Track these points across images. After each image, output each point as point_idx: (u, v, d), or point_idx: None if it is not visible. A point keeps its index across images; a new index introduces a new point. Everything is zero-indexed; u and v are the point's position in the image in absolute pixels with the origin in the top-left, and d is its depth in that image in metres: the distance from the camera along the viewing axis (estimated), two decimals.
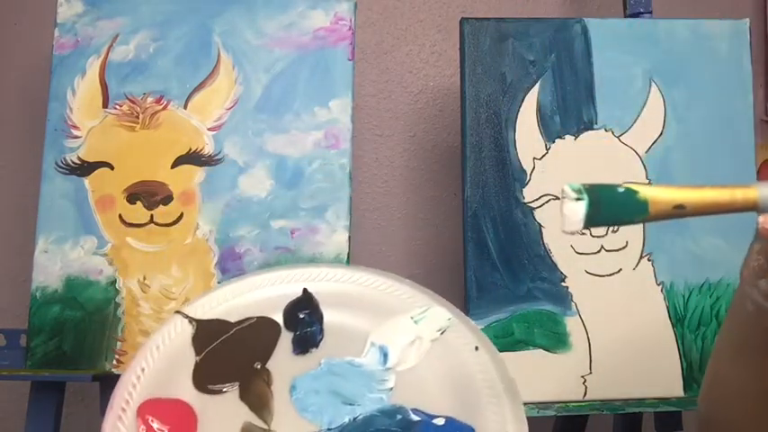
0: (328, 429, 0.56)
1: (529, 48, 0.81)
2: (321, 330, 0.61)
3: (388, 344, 0.60)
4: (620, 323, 0.78)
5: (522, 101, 0.80)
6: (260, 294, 0.62)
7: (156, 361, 0.56)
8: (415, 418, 0.56)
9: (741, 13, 0.87)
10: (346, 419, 0.56)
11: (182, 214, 0.79)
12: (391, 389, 0.58)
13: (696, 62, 0.82)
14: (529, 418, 0.77)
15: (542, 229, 0.79)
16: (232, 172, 0.79)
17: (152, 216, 0.78)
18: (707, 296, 0.79)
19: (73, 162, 0.79)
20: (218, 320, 0.60)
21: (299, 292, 0.62)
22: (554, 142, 0.80)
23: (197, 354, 0.58)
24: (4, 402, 1.04)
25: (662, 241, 0.79)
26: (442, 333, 0.61)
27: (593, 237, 0.79)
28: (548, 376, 0.76)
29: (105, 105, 0.81)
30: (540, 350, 0.77)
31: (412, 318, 0.61)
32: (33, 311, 0.76)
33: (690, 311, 0.78)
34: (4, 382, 0.85)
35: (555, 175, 0.80)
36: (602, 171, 0.80)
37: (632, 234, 0.79)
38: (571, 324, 0.77)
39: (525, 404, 0.75)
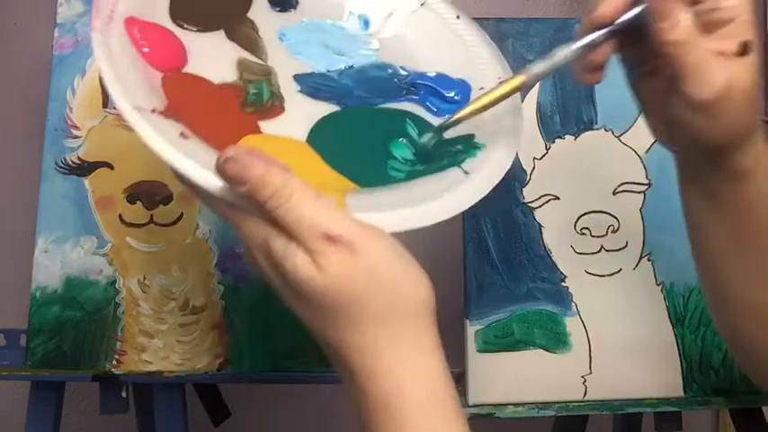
0: (327, 71, 0.54)
1: (529, 48, 0.81)
2: None
3: (367, 12, 0.58)
4: (620, 323, 0.78)
5: (522, 101, 0.80)
6: None
7: None
8: (404, 72, 0.55)
9: None
10: (342, 66, 0.55)
11: (182, 214, 0.79)
12: (377, 50, 0.57)
13: None
14: (529, 419, 0.78)
15: (542, 229, 0.79)
16: None
17: (152, 216, 0.78)
18: None
19: (73, 162, 0.79)
20: None
21: None
22: (554, 142, 0.80)
23: None
24: (4, 402, 1.05)
25: (662, 241, 0.79)
26: (422, 5, 0.59)
27: (593, 237, 0.79)
28: (548, 376, 0.76)
29: (105, 105, 0.81)
30: (540, 350, 0.77)
31: None
32: (33, 311, 0.76)
33: (690, 311, 0.78)
34: (4, 382, 0.86)
35: (555, 175, 0.80)
36: (602, 171, 0.80)
37: (632, 234, 0.79)
38: (571, 324, 0.77)
39: (525, 404, 0.76)
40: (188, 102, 0.46)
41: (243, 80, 0.51)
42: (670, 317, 0.78)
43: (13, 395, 1.01)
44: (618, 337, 0.77)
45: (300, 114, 0.50)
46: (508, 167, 0.49)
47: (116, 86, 0.42)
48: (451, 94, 0.54)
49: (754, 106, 0.46)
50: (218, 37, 0.53)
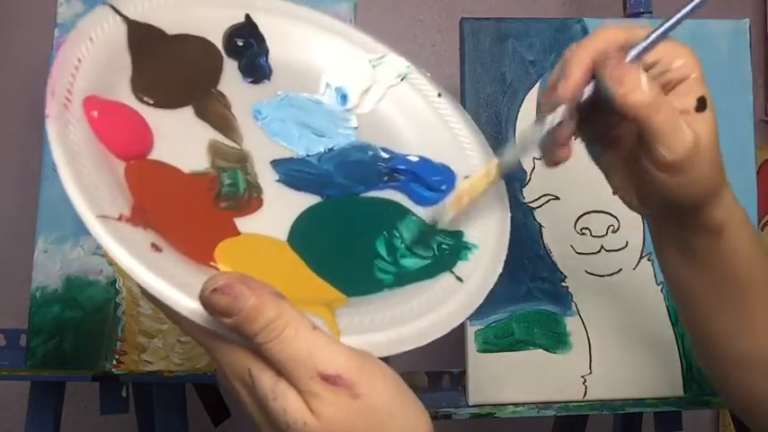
0: (307, 156, 0.50)
1: (529, 48, 0.81)
2: (269, 64, 0.53)
3: (345, 85, 0.54)
4: (620, 323, 0.78)
5: (522, 101, 0.80)
6: (199, 13, 0.52)
7: (93, 54, 0.45)
8: (385, 155, 0.52)
9: (741, 13, 0.87)
10: (322, 149, 0.51)
11: None
12: (356, 128, 0.53)
13: None
14: (529, 419, 0.78)
15: (542, 229, 0.79)
16: None
17: None
18: None
19: None
20: (152, 26, 0.49)
21: (241, 18, 0.54)
22: None
23: (132, 59, 0.47)
24: (4, 402, 1.05)
25: None
26: (402, 79, 0.55)
27: (593, 237, 0.79)
28: (548, 376, 0.76)
29: None
30: (540, 350, 0.77)
31: (370, 61, 0.56)
32: (33, 311, 0.76)
33: None
34: (4, 382, 0.85)
35: (555, 175, 0.79)
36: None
37: (632, 234, 0.79)
38: (571, 324, 0.77)
39: (525, 404, 0.76)
40: (156, 198, 0.42)
41: (215, 168, 0.46)
42: (670, 317, 0.78)
43: (13, 395, 1.01)
44: (618, 337, 0.77)
45: (280, 208, 0.46)
46: (500, 270, 0.47)
47: (77, 193, 0.38)
48: (435, 181, 0.51)
49: (718, 159, 0.47)
50: (187, 114, 0.48)
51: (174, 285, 0.36)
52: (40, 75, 0.91)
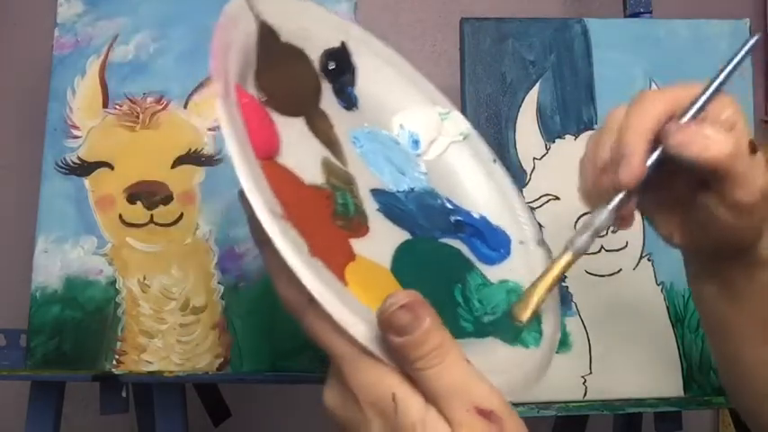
0: (397, 191, 0.51)
1: (529, 48, 0.81)
2: (354, 94, 0.54)
3: (417, 131, 0.55)
4: (620, 323, 0.78)
5: (522, 101, 0.81)
6: (306, 26, 0.52)
7: (236, 42, 0.44)
8: (450, 206, 0.53)
9: (741, 13, 0.87)
10: (405, 187, 0.52)
11: (182, 214, 0.79)
12: (426, 174, 0.54)
13: (696, 62, 0.82)
14: (529, 419, 0.77)
15: (542, 229, 0.78)
16: (232, 172, 0.79)
17: (152, 216, 0.78)
18: None
19: (73, 162, 0.79)
20: (274, 29, 0.48)
21: (337, 43, 0.53)
22: (554, 142, 0.80)
23: (258, 57, 0.46)
24: (4, 402, 1.05)
25: (662, 241, 0.78)
26: (464, 138, 0.57)
27: None
28: (548, 376, 0.76)
29: (105, 105, 0.81)
30: None
31: (440, 113, 0.57)
32: (33, 311, 0.76)
33: (690, 311, 0.78)
34: (4, 382, 0.85)
35: (555, 175, 0.80)
36: None
37: (632, 234, 0.79)
38: (571, 324, 0.77)
39: (525, 404, 0.76)
40: (291, 204, 0.40)
41: (330, 185, 0.46)
42: (670, 317, 0.78)
43: (13, 395, 1.01)
44: (618, 337, 0.77)
45: (383, 237, 0.47)
46: (558, 338, 0.49)
47: (252, 187, 0.37)
48: (494, 242, 0.52)
49: None
50: (300, 125, 0.48)
51: (335, 295, 0.36)
52: (40, 75, 0.91)
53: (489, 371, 0.39)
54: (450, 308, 0.46)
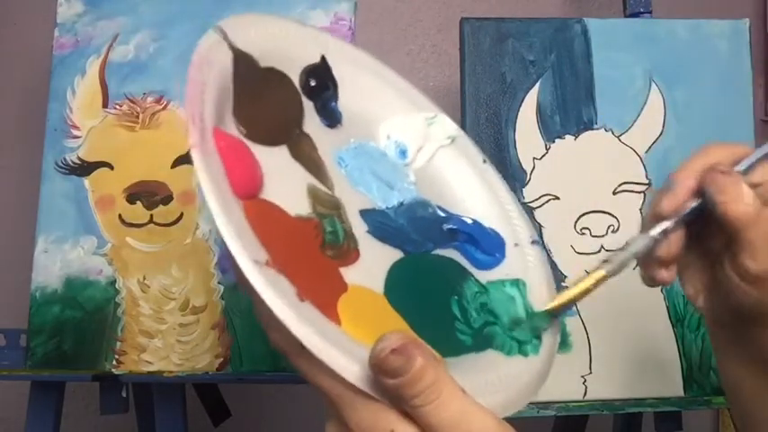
0: (386, 207, 0.50)
1: (529, 48, 0.81)
2: (338, 109, 0.53)
3: (404, 140, 0.55)
4: (620, 323, 0.78)
5: (522, 101, 0.80)
6: (282, 46, 0.50)
7: (212, 80, 0.43)
8: (442, 213, 0.52)
9: (741, 13, 0.87)
10: (395, 202, 0.51)
11: (182, 214, 0.79)
12: (415, 183, 0.53)
13: (696, 62, 0.82)
14: (529, 419, 0.77)
15: (542, 229, 0.79)
16: None
17: (152, 216, 0.78)
18: None
19: (73, 162, 0.79)
20: (251, 56, 0.47)
21: (317, 58, 0.52)
22: (554, 142, 0.80)
23: (234, 88, 0.45)
24: (4, 402, 1.05)
25: None
26: (452, 141, 0.55)
27: (593, 237, 0.79)
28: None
29: (105, 105, 0.81)
30: None
31: (426, 118, 0.56)
32: (33, 311, 0.76)
33: (690, 311, 0.78)
34: (4, 382, 0.85)
35: (555, 175, 0.80)
36: (601, 171, 0.80)
37: (632, 234, 0.79)
38: (571, 324, 0.77)
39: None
40: (277, 242, 0.39)
41: (317, 214, 0.45)
42: (670, 317, 0.78)
43: (13, 395, 1.01)
44: (618, 336, 0.77)
45: (373, 260, 0.46)
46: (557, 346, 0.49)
47: (232, 235, 0.36)
48: (489, 246, 0.52)
49: None
50: (284, 154, 0.47)
51: (328, 342, 0.35)
52: (40, 75, 0.91)
53: (488, 392, 0.39)
54: (448, 324, 0.46)
